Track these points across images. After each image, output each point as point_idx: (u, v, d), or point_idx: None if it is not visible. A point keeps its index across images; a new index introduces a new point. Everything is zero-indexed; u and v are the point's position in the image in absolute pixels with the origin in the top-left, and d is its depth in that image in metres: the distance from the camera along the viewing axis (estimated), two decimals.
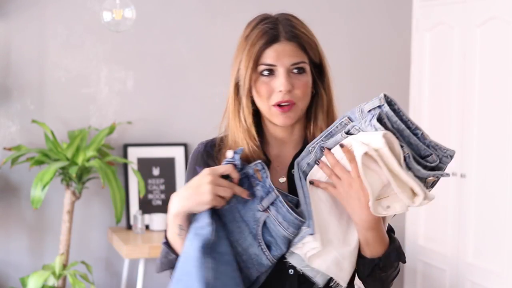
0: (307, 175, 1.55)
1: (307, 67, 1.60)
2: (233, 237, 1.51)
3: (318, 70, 1.64)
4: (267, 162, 1.61)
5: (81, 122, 3.75)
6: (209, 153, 1.65)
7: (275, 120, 1.59)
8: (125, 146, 3.79)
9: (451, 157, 1.52)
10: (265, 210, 1.50)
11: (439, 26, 4.00)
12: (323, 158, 1.54)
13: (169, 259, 1.57)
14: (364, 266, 1.56)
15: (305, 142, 1.64)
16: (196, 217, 1.50)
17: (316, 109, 1.64)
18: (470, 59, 3.73)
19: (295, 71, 1.57)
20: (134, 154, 3.80)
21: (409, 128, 1.46)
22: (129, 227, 3.74)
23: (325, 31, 4.25)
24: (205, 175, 1.48)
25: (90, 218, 3.79)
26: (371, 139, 1.43)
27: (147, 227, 3.72)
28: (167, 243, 1.57)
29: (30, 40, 3.67)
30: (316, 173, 1.55)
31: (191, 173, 1.63)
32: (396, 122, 1.45)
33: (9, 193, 3.67)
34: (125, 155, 3.78)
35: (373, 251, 1.55)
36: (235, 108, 1.61)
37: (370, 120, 1.44)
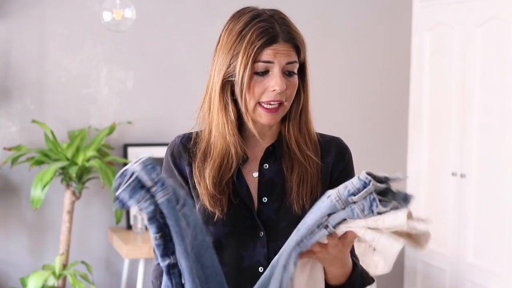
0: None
1: (296, 69, 1.60)
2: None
3: (301, 70, 1.64)
4: (245, 158, 1.63)
5: (81, 122, 3.75)
6: (185, 146, 1.66)
7: (259, 118, 1.59)
8: (125, 146, 3.79)
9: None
10: None
11: (439, 26, 4.00)
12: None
13: None
14: None
15: (279, 136, 1.66)
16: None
17: (294, 107, 1.64)
18: (470, 59, 3.73)
19: (287, 72, 1.58)
20: (134, 154, 3.79)
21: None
22: (129, 227, 3.74)
23: (325, 31, 4.26)
24: None
25: (90, 218, 3.79)
26: (394, 223, 1.36)
27: (147, 227, 3.72)
28: None
29: (30, 40, 3.67)
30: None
31: (167, 166, 1.65)
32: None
33: (9, 193, 3.67)
34: (125, 155, 3.78)
35: (337, 279, 1.57)
36: (221, 104, 1.60)
37: (371, 207, 1.37)
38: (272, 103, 1.56)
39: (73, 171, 3.35)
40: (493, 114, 3.58)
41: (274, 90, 1.55)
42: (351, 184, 1.37)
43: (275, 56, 1.55)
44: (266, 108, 1.57)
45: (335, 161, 1.66)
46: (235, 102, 1.60)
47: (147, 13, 3.79)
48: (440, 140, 3.99)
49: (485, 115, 3.64)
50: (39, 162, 3.47)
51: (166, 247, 1.40)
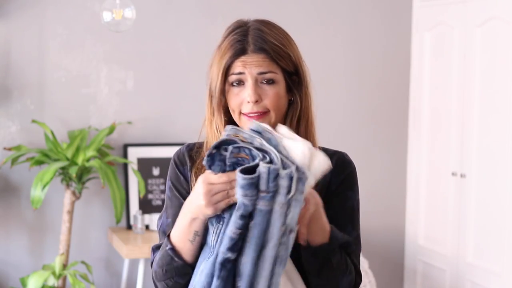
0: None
1: (278, 77, 1.58)
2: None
3: (295, 78, 1.62)
4: None
5: (81, 122, 3.75)
6: (189, 154, 1.68)
7: (245, 127, 1.58)
8: (125, 146, 3.79)
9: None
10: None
11: (439, 26, 4.01)
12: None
13: (174, 266, 1.54)
14: (314, 257, 1.53)
15: None
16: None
17: (291, 117, 1.62)
18: (470, 59, 3.73)
19: (264, 81, 1.57)
20: (134, 154, 3.80)
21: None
22: (129, 227, 3.74)
23: (325, 31, 4.26)
24: (199, 184, 1.45)
25: (90, 218, 3.79)
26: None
27: (147, 227, 3.72)
28: (173, 249, 1.53)
29: (30, 40, 3.67)
30: None
31: (173, 172, 1.68)
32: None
33: (9, 193, 3.67)
34: (125, 155, 3.78)
35: (320, 236, 1.52)
36: (210, 116, 1.63)
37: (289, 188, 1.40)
38: (251, 114, 1.57)
39: (73, 171, 3.35)
40: (493, 114, 3.59)
41: (248, 102, 1.56)
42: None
43: (245, 67, 1.56)
44: (249, 117, 1.57)
45: (333, 175, 1.62)
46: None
47: (147, 13, 3.79)
48: (440, 140, 3.99)
49: (485, 115, 3.64)
50: (39, 162, 3.47)
51: (237, 244, 1.39)
